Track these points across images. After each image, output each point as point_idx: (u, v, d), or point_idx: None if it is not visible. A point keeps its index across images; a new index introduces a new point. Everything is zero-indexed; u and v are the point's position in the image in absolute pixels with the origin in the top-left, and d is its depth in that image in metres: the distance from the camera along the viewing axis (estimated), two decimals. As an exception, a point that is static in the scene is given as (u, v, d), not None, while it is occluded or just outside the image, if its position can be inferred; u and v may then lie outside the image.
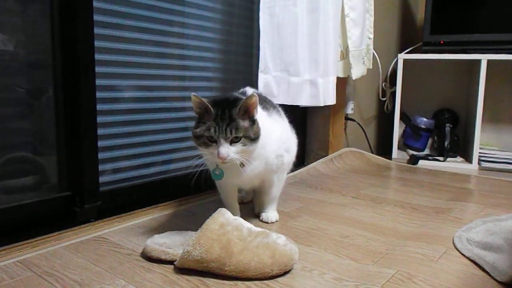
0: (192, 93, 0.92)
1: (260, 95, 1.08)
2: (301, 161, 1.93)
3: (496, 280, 0.81)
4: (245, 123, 0.92)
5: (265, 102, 1.10)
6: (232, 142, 0.91)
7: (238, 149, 0.91)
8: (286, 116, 1.18)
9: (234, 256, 0.78)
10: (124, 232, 1.02)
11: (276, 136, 1.04)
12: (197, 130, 0.93)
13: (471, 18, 2.08)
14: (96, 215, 1.10)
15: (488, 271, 0.84)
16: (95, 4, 1.07)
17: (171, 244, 0.88)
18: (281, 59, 1.45)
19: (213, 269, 0.79)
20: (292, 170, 1.68)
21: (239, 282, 0.78)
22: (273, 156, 1.03)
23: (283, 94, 1.48)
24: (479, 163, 2.00)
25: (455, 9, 2.10)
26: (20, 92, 1.01)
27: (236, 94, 1.05)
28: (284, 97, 1.49)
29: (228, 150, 0.90)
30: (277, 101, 1.45)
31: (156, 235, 0.92)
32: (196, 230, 0.84)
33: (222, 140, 0.90)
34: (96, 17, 1.08)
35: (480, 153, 2.01)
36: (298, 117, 1.92)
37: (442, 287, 0.78)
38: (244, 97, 0.94)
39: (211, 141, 0.91)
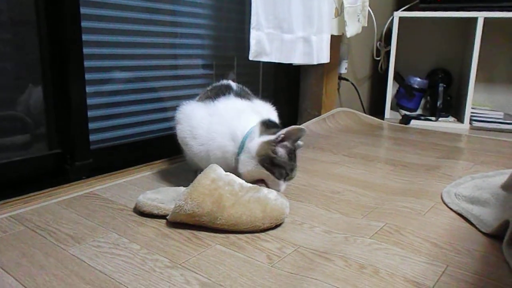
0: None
1: (238, 86, 1.09)
2: (293, 120, 1.92)
3: (482, 232, 0.83)
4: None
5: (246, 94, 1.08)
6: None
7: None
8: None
9: (226, 210, 0.79)
10: (116, 188, 1.02)
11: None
12: (283, 154, 0.92)
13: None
14: (87, 173, 1.10)
15: (474, 223, 0.86)
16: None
17: (163, 199, 0.88)
18: (274, 16, 1.41)
19: (205, 222, 0.80)
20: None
21: (230, 235, 0.79)
22: None
23: (276, 52, 1.45)
24: (470, 123, 2.01)
25: (454, -36, 2.04)
26: (5, 48, 0.97)
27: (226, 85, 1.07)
28: (277, 55, 1.46)
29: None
30: (270, 59, 1.43)
31: (148, 191, 0.92)
32: (187, 186, 0.84)
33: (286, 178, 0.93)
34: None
35: (472, 113, 2.02)
36: (291, 76, 1.89)
37: (428, 238, 0.80)
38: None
39: (281, 175, 0.92)
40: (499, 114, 2.03)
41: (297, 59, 1.55)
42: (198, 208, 0.79)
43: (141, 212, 0.87)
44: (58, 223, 0.82)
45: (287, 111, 1.91)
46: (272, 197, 0.84)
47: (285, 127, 0.91)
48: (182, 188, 0.92)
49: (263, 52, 1.39)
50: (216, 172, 0.85)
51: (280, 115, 1.08)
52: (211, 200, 0.79)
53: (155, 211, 0.86)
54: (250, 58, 1.34)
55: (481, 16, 1.90)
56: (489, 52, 2.12)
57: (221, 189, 0.82)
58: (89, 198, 0.96)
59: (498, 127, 1.96)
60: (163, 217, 0.85)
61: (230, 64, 1.64)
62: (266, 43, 1.42)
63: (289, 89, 1.92)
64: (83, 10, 1.05)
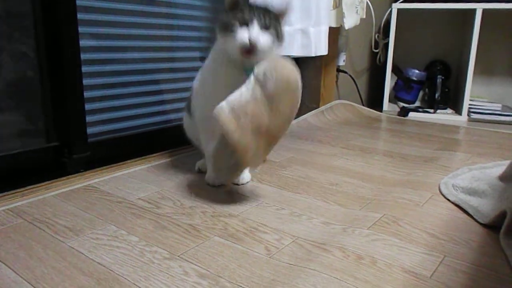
0: None
1: None
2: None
3: (479, 223, 0.83)
4: (276, 22, 0.89)
5: None
6: (264, 28, 0.86)
7: (268, 39, 0.87)
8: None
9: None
10: (114, 181, 1.02)
11: None
12: (226, 18, 0.88)
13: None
14: (85, 166, 1.09)
15: (472, 214, 0.86)
16: None
17: None
18: (271, 7, 1.40)
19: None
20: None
21: (229, 227, 0.79)
22: None
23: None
24: (468, 115, 2.01)
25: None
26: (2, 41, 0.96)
27: None
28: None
29: (259, 35, 0.85)
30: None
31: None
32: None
33: (255, 22, 0.85)
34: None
35: (470, 105, 2.02)
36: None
37: (426, 229, 0.80)
38: None
39: (242, 24, 0.86)
40: (497, 106, 2.03)
41: (295, 51, 1.54)
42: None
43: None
44: (56, 216, 0.82)
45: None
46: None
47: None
48: None
49: None
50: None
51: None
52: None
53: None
54: None
55: (479, 7, 1.89)
56: (487, 44, 2.12)
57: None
58: (87, 191, 0.96)
59: (496, 119, 1.96)
60: (156, 210, 0.85)
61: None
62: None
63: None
64: (78, 2, 1.05)
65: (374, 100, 2.33)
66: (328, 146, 1.42)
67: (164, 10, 1.32)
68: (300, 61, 1.88)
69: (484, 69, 2.21)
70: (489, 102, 2.08)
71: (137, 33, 1.24)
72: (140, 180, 1.03)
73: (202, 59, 1.50)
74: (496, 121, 1.95)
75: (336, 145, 1.43)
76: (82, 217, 0.82)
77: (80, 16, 1.05)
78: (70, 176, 1.04)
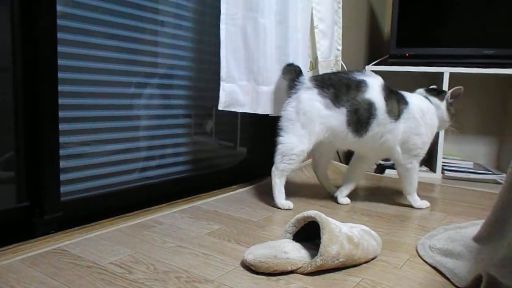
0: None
1: None
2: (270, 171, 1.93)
3: (456, 286, 0.83)
4: None
5: None
6: None
7: None
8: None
9: (358, 247, 0.89)
10: (86, 243, 0.98)
11: None
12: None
13: (434, 33, 2.16)
14: (56, 227, 1.06)
15: (449, 277, 0.86)
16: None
17: (281, 252, 0.87)
18: (248, 69, 1.46)
19: (345, 263, 0.88)
20: (262, 179, 1.68)
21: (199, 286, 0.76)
22: None
23: (252, 103, 1.48)
24: (442, 172, 2.06)
25: (420, 24, 2.18)
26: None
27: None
28: (254, 106, 1.50)
29: None
30: (244, 109, 1.46)
31: (253, 249, 0.89)
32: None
33: None
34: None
35: (443, 162, 2.08)
36: (269, 125, 1.92)
37: (405, 294, 0.79)
38: None
39: None
40: (469, 164, 2.10)
41: (276, 110, 1.58)
42: (338, 253, 0.85)
43: (268, 273, 0.84)
44: (20, 283, 0.78)
45: (265, 159, 1.92)
46: (367, 229, 0.98)
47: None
48: (286, 241, 0.92)
49: (236, 103, 1.43)
50: (329, 219, 0.89)
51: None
52: (345, 242, 0.86)
53: (289, 268, 0.85)
54: (220, 108, 1.38)
55: (446, 71, 2.01)
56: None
57: (344, 230, 0.89)
58: (57, 255, 0.91)
59: (469, 176, 2.02)
60: (128, 275, 0.81)
61: (209, 114, 1.66)
62: (240, 95, 1.45)
63: (266, 138, 1.94)
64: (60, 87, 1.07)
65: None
66: (306, 204, 1.42)
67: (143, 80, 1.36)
68: (277, 119, 1.92)
69: (456, 128, 2.30)
70: (462, 160, 2.15)
71: (115, 91, 1.26)
72: (113, 242, 1.00)
73: (184, 116, 1.52)
74: (469, 179, 2.00)
75: (315, 204, 1.43)
76: (48, 285, 0.78)
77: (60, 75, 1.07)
78: (39, 238, 1.00)
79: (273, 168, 1.37)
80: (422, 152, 1.38)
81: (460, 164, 2.10)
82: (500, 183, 1.92)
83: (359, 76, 1.34)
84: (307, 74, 1.74)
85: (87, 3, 1.15)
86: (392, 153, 1.37)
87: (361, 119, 1.31)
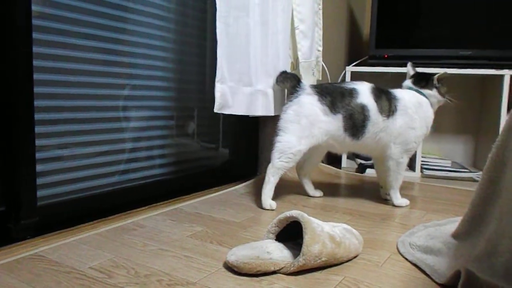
0: None
1: None
2: (253, 171, 1.93)
3: (436, 282, 0.84)
4: None
5: None
6: None
7: None
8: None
9: (340, 246, 0.90)
10: (64, 248, 0.96)
11: None
12: None
13: (412, 35, 2.20)
14: (33, 232, 1.03)
15: (429, 273, 0.87)
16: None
17: (263, 253, 0.87)
18: (235, 69, 1.45)
19: (327, 262, 0.88)
20: (244, 180, 1.68)
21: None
22: None
23: (239, 105, 1.47)
24: (421, 171, 2.10)
25: (399, 26, 2.22)
26: None
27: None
28: (240, 108, 1.48)
29: None
30: (232, 111, 1.44)
31: (235, 250, 0.88)
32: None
33: None
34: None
35: (422, 161, 2.12)
36: (250, 126, 1.93)
37: (386, 291, 0.80)
38: None
39: None
40: (447, 163, 2.14)
41: (260, 111, 1.58)
42: (320, 252, 0.85)
43: (251, 274, 0.84)
44: (-5, 291, 0.75)
45: (247, 161, 1.92)
46: (349, 228, 1.00)
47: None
48: (269, 241, 0.91)
49: (226, 105, 1.41)
50: (311, 219, 0.89)
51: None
52: (327, 241, 0.87)
53: (272, 268, 0.85)
54: (215, 110, 1.36)
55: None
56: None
57: (326, 229, 0.90)
58: (34, 261, 0.89)
59: (447, 175, 2.06)
60: (108, 280, 0.80)
61: (191, 115, 1.65)
62: (229, 96, 1.44)
63: (248, 139, 1.94)
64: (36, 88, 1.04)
65: (333, 157, 2.39)
66: (289, 204, 1.42)
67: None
68: (260, 119, 1.92)
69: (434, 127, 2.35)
70: (440, 158, 2.19)
71: (95, 93, 1.24)
72: (93, 247, 0.98)
73: (166, 117, 1.51)
74: (447, 177, 2.05)
75: (298, 203, 1.44)
76: (25, 291, 0.76)
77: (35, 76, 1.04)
78: (16, 244, 0.97)
79: (269, 166, 1.38)
80: (415, 146, 1.44)
81: (439, 163, 2.14)
82: (476, 181, 1.97)
83: (350, 85, 1.42)
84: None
85: (62, 2, 1.13)
86: (386, 149, 1.42)
87: (356, 123, 1.38)
